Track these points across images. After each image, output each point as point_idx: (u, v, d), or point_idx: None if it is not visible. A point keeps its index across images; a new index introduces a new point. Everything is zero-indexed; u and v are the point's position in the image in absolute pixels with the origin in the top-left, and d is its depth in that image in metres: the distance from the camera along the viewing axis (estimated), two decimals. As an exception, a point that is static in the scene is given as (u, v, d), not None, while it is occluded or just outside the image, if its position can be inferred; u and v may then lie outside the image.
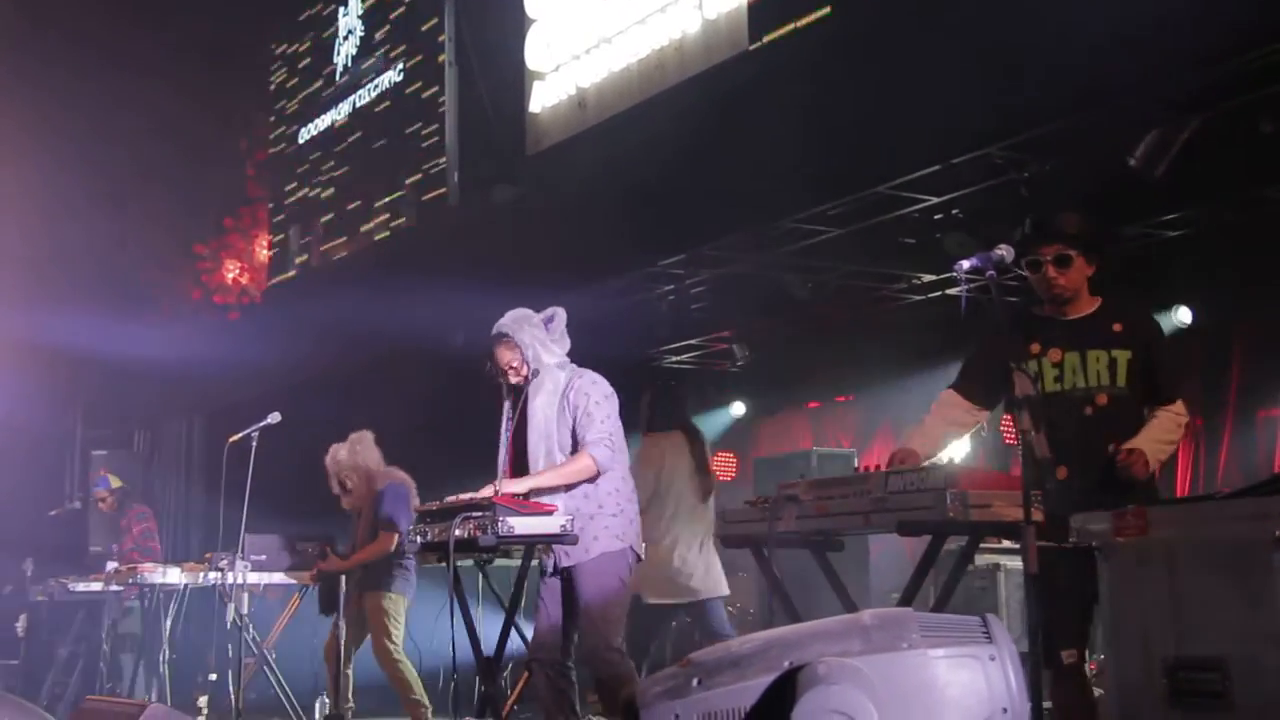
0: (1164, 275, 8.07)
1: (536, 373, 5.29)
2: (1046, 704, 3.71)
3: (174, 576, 8.09)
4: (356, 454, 7.49)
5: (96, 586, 9.22)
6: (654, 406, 7.56)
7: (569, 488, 5.18)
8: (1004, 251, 4.03)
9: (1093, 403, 4.32)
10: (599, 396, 5.24)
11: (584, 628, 5.12)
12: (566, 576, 5.21)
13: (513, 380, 5.35)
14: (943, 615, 2.58)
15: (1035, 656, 3.13)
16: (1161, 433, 4.33)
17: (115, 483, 10.25)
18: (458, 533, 5.12)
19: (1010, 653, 2.48)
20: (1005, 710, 2.43)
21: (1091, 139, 6.44)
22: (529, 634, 5.85)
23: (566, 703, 5.21)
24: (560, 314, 5.41)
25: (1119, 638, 3.29)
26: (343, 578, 7.24)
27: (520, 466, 5.33)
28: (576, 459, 5.16)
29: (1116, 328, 4.35)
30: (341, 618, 7.09)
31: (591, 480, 5.18)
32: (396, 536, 7.14)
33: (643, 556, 5.32)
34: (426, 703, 7.35)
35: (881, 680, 2.34)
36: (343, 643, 7.19)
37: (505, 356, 5.35)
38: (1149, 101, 6.09)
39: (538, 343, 5.30)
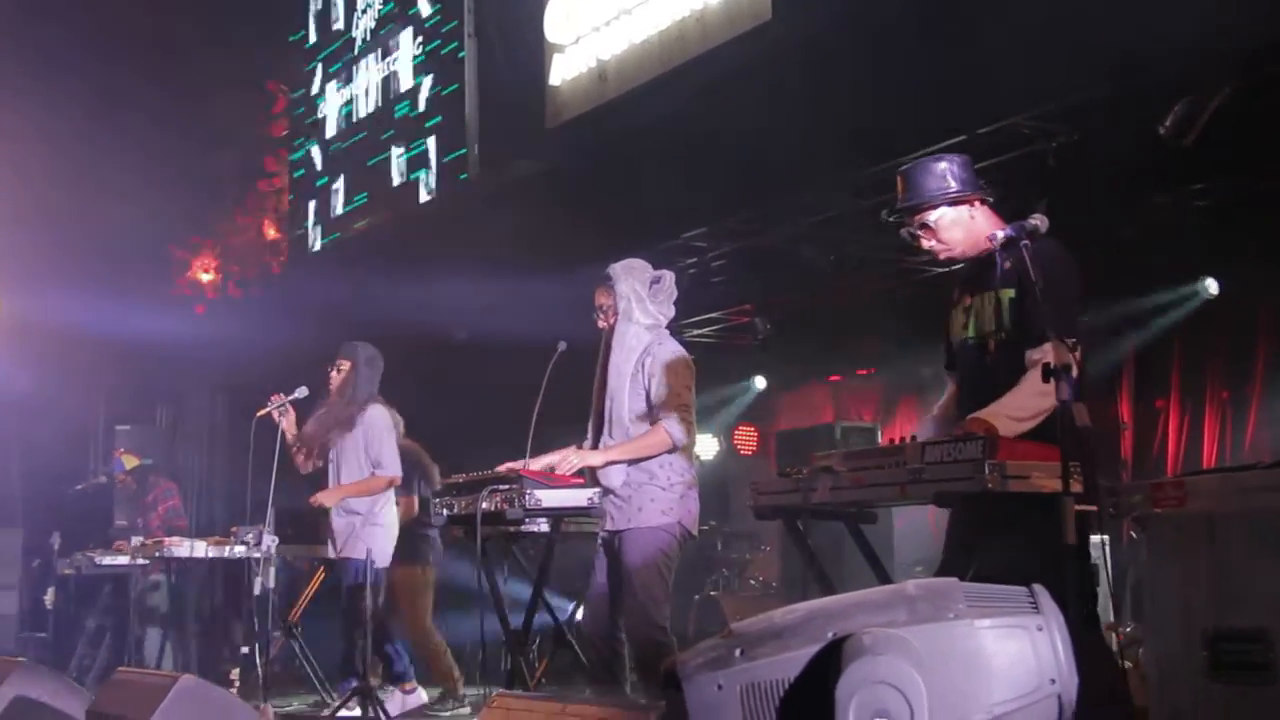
0: (1192, 246, 8.00)
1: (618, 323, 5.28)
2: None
3: (200, 550, 8.10)
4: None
5: (123, 560, 9.27)
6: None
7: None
8: (1038, 221, 3.98)
9: (987, 350, 4.12)
10: (679, 368, 5.19)
11: (626, 600, 5.10)
12: (613, 545, 5.19)
13: (600, 324, 5.35)
14: (988, 585, 2.54)
15: (1076, 626, 3.10)
16: (1019, 400, 3.84)
17: (130, 463, 10.29)
18: (485, 505, 5.13)
19: (1058, 623, 2.45)
20: (1053, 681, 2.40)
21: (1120, 107, 6.37)
22: (555, 606, 5.88)
23: (609, 673, 5.19)
24: (667, 277, 5.36)
25: (1157, 609, 3.26)
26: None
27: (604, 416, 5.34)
28: (652, 433, 5.13)
29: (1007, 264, 4.04)
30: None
31: (669, 453, 5.16)
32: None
33: (695, 534, 5.28)
34: (458, 673, 7.41)
35: (928, 651, 2.32)
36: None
37: (600, 298, 5.36)
38: (1179, 69, 6.02)
39: (633, 295, 5.27)
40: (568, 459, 5.22)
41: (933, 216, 4.24)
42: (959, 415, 4.01)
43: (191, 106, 12.55)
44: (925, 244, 4.30)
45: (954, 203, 4.24)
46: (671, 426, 5.09)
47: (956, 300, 4.30)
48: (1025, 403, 3.84)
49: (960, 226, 4.22)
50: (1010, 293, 4.04)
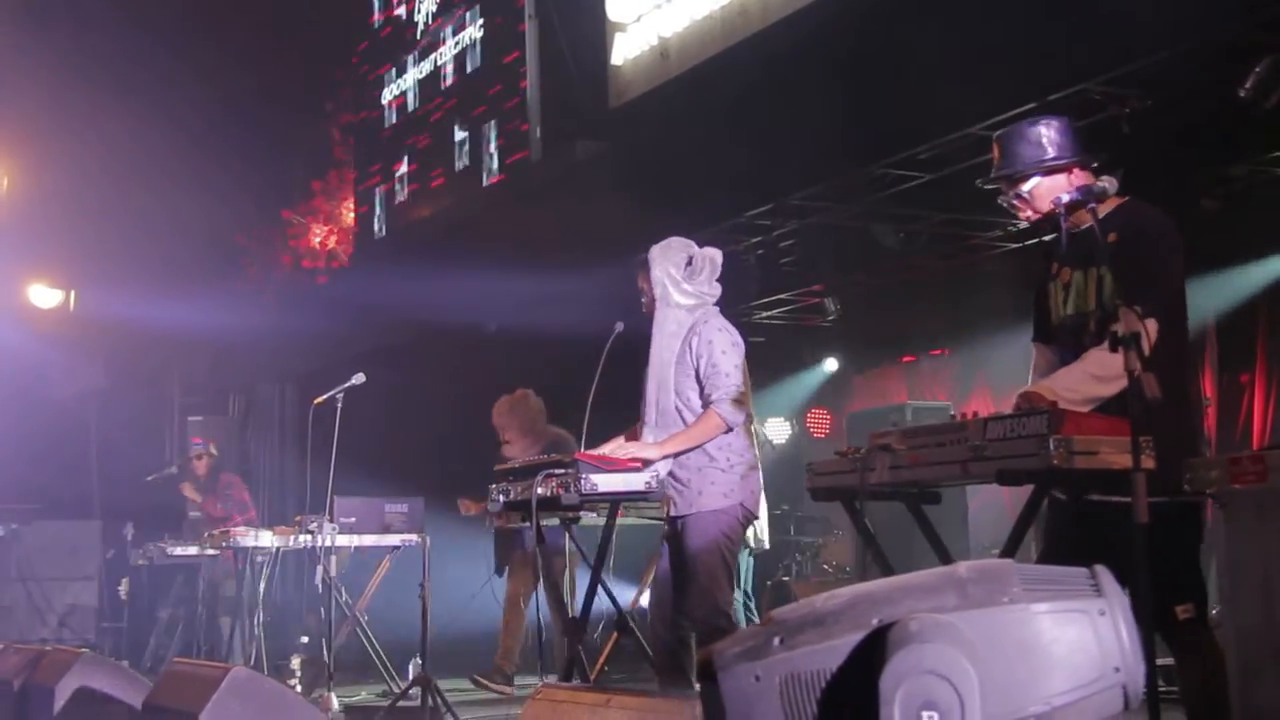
0: (1273, 215, 7.70)
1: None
2: (1164, 661, 3.52)
3: (266, 539, 8.10)
4: (515, 411, 7.65)
5: (193, 550, 9.32)
6: None
7: None
8: (1107, 183, 3.79)
9: (1087, 330, 3.88)
10: (725, 345, 5.04)
11: (689, 585, 4.98)
12: (675, 530, 5.08)
13: (644, 309, 5.23)
14: (1046, 567, 2.37)
15: (1146, 612, 2.92)
16: (1069, 380, 3.70)
17: (211, 450, 10.33)
18: (540, 491, 5.03)
19: (1122, 607, 2.27)
20: (1117, 669, 2.23)
21: (1197, 70, 6.11)
22: (616, 593, 5.77)
23: (677, 661, 5.07)
24: (700, 256, 5.18)
25: (1238, 590, 3.09)
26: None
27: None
28: (704, 419, 4.99)
29: (1112, 237, 3.75)
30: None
31: (726, 434, 5.02)
32: None
33: (758, 515, 5.15)
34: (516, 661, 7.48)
35: (979, 638, 2.16)
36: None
37: (640, 282, 5.23)
38: (1258, 27, 5.76)
39: (668, 278, 5.14)
40: (623, 450, 5.08)
41: (1026, 187, 4.02)
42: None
43: (260, 98, 12.59)
44: (1022, 214, 4.10)
45: (1049, 171, 4.01)
46: (722, 408, 4.96)
47: (1054, 273, 4.08)
48: (1075, 384, 3.67)
49: (1057, 194, 3.96)
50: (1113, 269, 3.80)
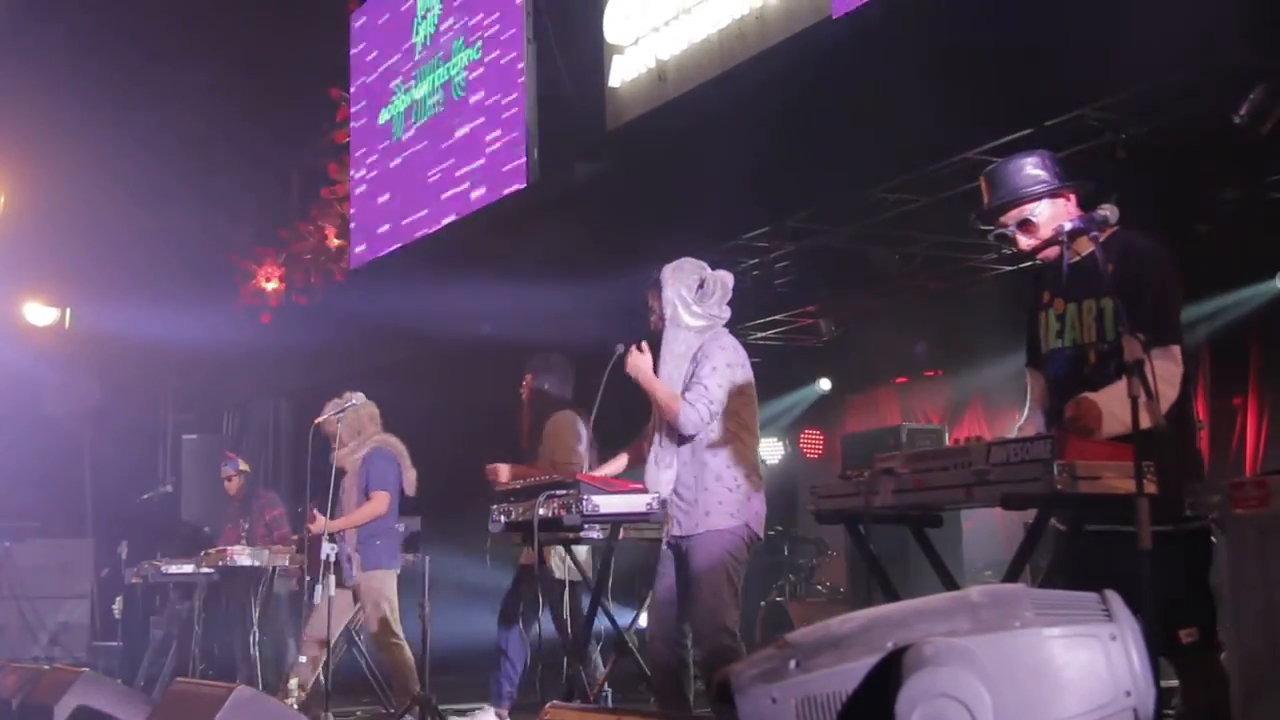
0: (1266, 239, 7.76)
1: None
2: (1169, 683, 3.55)
3: (261, 558, 8.10)
4: (343, 416, 7.29)
5: (189, 568, 9.29)
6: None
7: (690, 455, 5.07)
8: (1107, 211, 3.83)
9: (1086, 361, 3.91)
10: (718, 362, 5.06)
11: (694, 606, 4.99)
12: (680, 550, 5.09)
13: (652, 326, 5.26)
14: (1057, 592, 2.41)
15: (1151, 636, 2.95)
16: (1116, 404, 3.61)
17: (244, 465, 10.24)
18: (542, 511, 5.05)
19: (1132, 632, 2.31)
20: (1128, 693, 2.26)
21: (1193, 96, 6.18)
22: (615, 614, 5.78)
23: (675, 681, 5.08)
24: (713, 278, 5.21)
25: (1240, 614, 3.11)
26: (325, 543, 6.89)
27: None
28: (673, 397, 5.01)
29: (1110, 269, 3.77)
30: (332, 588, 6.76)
31: (683, 440, 5.04)
32: (387, 498, 7.07)
33: (761, 537, 5.16)
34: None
35: (993, 661, 2.20)
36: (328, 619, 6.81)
37: (650, 301, 5.25)
38: (1254, 53, 5.82)
39: (679, 299, 5.16)
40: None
41: (1034, 211, 4.06)
42: (1054, 416, 3.89)
43: (254, 115, 12.62)
44: (1023, 242, 4.12)
45: (1054, 195, 4.07)
46: (685, 408, 4.97)
47: (1046, 302, 4.11)
48: (1117, 410, 3.68)
49: (1059, 221, 4.01)
50: (1113, 301, 3.83)
